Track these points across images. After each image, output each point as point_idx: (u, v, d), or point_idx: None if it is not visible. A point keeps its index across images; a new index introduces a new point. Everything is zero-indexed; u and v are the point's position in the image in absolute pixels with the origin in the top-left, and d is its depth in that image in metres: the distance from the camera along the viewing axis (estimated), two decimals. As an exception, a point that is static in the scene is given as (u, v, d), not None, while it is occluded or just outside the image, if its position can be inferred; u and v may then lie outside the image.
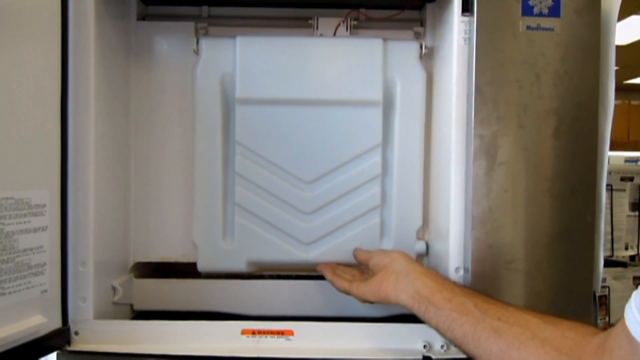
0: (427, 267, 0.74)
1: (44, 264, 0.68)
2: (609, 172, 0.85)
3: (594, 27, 0.74)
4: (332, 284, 0.80)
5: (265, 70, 0.84)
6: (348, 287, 0.76)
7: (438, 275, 0.71)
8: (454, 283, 0.70)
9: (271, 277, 0.91)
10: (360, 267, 0.84)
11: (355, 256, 0.84)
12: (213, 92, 0.85)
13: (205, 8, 0.91)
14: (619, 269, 1.60)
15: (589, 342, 0.55)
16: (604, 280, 1.53)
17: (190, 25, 0.88)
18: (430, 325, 0.68)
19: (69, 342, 0.73)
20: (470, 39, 0.74)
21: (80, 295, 0.74)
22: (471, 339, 0.62)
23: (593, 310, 0.77)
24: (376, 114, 0.85)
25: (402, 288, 0.70)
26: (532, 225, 0.74)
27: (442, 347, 0.74)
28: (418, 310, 0.68)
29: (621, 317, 0.53)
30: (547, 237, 0.74)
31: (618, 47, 0.77)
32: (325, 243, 0.86)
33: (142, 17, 0.90)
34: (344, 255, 0.87)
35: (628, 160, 1.69)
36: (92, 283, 0.75)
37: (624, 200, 1.63)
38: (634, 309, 0.50)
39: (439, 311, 0.66)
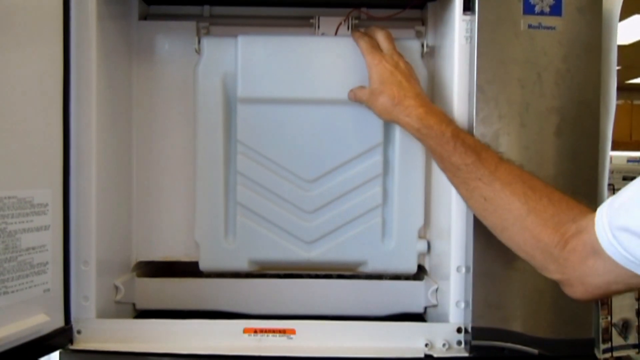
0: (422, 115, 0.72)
1: (47, 263, 0.69)
2: (611, 172, 0.85)
3: (595, 26, 0.74)
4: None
5: (267, 69, 0.84)
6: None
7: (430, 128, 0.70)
8: (445, 148, 0.69)
9: (273, 276, 0.92)
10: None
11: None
12: (215, 91, 0.85)
13: (206, 7, 0.91)
14: (621, 268, 1.59)
15: (567, 230, 0.59)
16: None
17: (192, 24, 0.88)
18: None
19: (71, 341, 0.74)
20: (471, 37, 0.74)
21: (82, 294, 0.74)
22: (467, 204, 0.70)
23: (595, 309, 0.77)
24: (378, 113, 0.85)
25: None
26: (534, 224, 0.74)
27: (443, 345, 0.74)
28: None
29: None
30: (549, 235, 0.74)
31: (620, 47, 0.77)
32: (326, 242, 0.87)
33: (144, 17, 0.90)
34: (346, 254, 0.87)
35: (630, 160, 1.68)
36: (95, 282, 0.75)
37: (626, 200, 1.63)
38: (604, 216, 0.54)
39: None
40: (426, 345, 0.74)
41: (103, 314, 0.77)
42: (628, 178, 1.60)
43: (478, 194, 0.66)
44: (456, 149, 0.67)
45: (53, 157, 0.70)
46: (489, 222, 0.67)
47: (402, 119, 0.72)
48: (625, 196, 0.52)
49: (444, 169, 0.70)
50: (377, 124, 0.85)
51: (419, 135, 0.71)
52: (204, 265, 0.88)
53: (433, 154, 0.72)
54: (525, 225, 0.61)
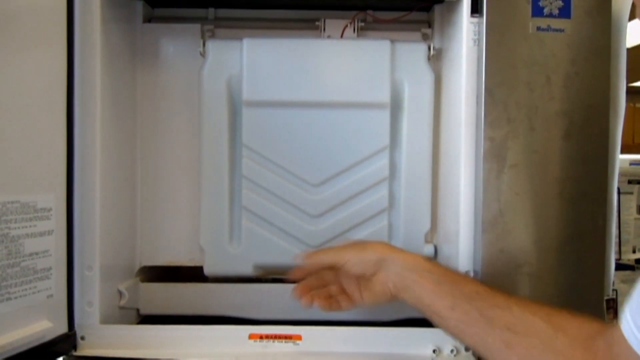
0: (415, 258, 0.70)
1: (50, 268, 0.68)
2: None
3: (604, 28, 0.73)
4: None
5: (272, 72, 0.83)
6: (352, 305, 0.73)
7: (432, 270, 0.67)
8: (452, 279, 0.66)
9: (278, 280, 0.91)
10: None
11: (315, 259, 0.74)
12: (220, 94, 0.84)
13: (211, 10, 0.90)
14: (627, 272, 1.59)
15: (597, 347, 0.55)
16: (612, 283, 1.52)
17: (196, 27, 0.88)
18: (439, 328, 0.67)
19: (75, 347, 0.73)
20: (479, 40, 0.73)
21: (86, 299, 0.74)
22: (482, 349, 0.62)
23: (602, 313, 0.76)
24: (384, 116, 0.84)
25: (406, 296, 0.68)
26: (543, 229, 0.73)
27: (451, 351, 0.73)
28: (424, 315, 0.67)
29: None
30: (558, 240, 0.73)
31: (624, 50, 0.77)
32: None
33: (148, 20, 0.90)
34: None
35: (633, 162, 1.68)
36: (99, 287, 0.74)
37: (631, 203, 1.62)
38: (631, 323, 0.51)
39: (444, 320, 0.65)
40: (434, 351, 0.73)
41: (107, 319, 0.77)
42: (634, 182, 1.60)
43: (499, 324, 0.60)
44: (466, 278, 0.68)
45: (57, 161, 0.70)
46: (513, 358, 0.59)
47: None
48: None
49: (457, 320, 0.64)
50: (383, 127, 0.84)
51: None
52: (208, 270, 0.87)
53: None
54: (555, 348, 0.57)
